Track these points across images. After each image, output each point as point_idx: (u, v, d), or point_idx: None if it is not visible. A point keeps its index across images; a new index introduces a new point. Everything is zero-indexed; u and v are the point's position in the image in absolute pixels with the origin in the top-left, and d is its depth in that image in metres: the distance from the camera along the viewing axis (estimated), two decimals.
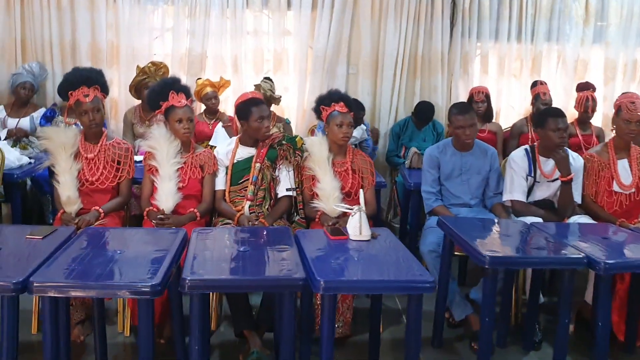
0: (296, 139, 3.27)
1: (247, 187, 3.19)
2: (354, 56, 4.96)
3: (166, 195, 3.02)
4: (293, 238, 2.54)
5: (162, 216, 2.95)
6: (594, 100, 4.78)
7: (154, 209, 3.03)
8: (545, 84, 4.83)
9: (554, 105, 4.78)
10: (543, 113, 3.40)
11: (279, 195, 3.25)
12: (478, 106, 4.83)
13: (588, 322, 3.20)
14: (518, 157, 3.42)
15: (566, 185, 3.26)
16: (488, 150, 3.48)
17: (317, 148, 3.24)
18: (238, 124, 3.31)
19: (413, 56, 4.95)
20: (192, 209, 3.08)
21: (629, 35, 5.01)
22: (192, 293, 2.06)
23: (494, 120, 4.87)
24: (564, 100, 5.05)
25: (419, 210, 3.77)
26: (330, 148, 3.26)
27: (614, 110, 3.47)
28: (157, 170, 3.08)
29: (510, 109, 5.20)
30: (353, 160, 3.31)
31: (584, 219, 3.27)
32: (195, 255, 2.25)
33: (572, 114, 5.04)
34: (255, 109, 3.16)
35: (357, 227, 2.52)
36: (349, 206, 2.65)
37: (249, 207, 3.15)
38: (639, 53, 5.09)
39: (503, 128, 4.88)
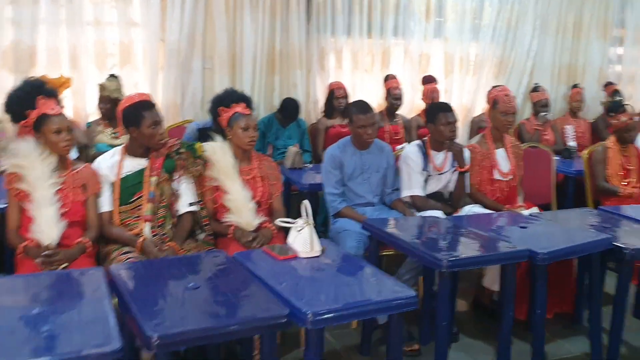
0: (195, 146, 2.86)
1: (141, 205, 2.71)
2: (209, 50, 4.59)
3: (48, 224, 2.43)
4: (234, 263, 2.21)
5: (49, 252, 2.36)
6: (438, 92, 5.10)
7: (33, 245, 2.42)
8: (396, 78, 5.00)
9: (404, 98, 5.01)
10: (433, 108, 3.47)
11: (180, 212, 2.82)
12: (339, 102, 4.82)
13: (486, 307, 3.39)
14: (413, 152, 3.44)
15: (462, 175, 3.38)
16: (384, 147, 3.45)
17: (220, 155, 2.88)
18: (125, 131, 2.78)
19: (271, 51, 4.75)
20: (79, 239, 2.53)
21: (464, 30, 5.41)
22: (160, 353, 1.64)
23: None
24: (411, 93, 5.28)
25: (315, 213, 3.62)
26: (235, 154, 2.93)
27: (488, 104, 3.70)
28: (27, 194, 2.46)
29: None
30: (260, 167, 3.02)
31: (477, 209, 3.42)
32: (140, 302, 1.80)
33: (418, 106, 5.32)
34: (148, 113, 2.69)
35: (308, 242, 2.28)
36: (291, 220, 2.39)
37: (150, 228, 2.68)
38: (472, 48, 5.51)
39: None
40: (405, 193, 3.40)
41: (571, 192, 4.43)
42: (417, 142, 3.51)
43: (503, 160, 3.62)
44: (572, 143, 5.51)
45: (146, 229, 2.66)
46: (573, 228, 2.84)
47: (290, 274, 2.12)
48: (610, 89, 5.80)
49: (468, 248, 2.48)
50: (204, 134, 3.20)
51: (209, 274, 2.13)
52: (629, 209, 3.30)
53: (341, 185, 3.28)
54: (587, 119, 5.77)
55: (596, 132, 5.68)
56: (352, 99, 5.05)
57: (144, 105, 2.71)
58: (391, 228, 2.75)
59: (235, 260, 2.24)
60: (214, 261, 2.25)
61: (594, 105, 5.95)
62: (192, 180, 2.84)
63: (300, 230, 2.30)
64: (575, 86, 5.71)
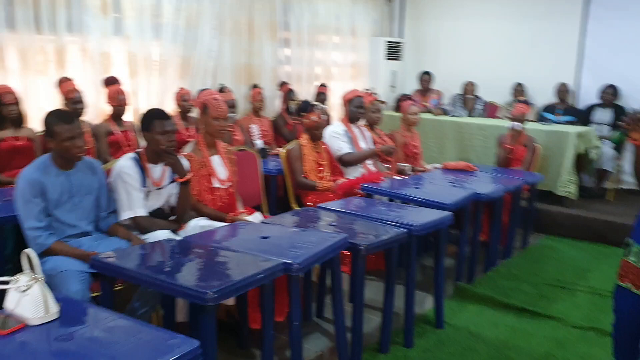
0: None
1: None
2: None
3: None
4: None
5: None
6: (125, 93, 4.68)
7: None
8: (71, 80, 4.39)
9: (87, 101, 4.46)
10: (148, 116, 3.10)
11: None
12: (9, 110, 4.00)
13: (224, 321, 3.23)
14: (128, 167, 3.02)
15: (184, 187, 3.11)
16: (94, 164, 2.94)
17: None
18: None
19: None
20: None
21: (144, 28, 5.06)
22: None
23: (26, 126, 4.12)
24: (95, 96, 4.72)
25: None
26: None
27: (198, 109, 3.50)
28: None
29: (42, 110, 4.49)
30: None
31: (204, 222, 3.21)
32: None
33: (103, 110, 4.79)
34: None
35: (41, 303, 1.75)
36: (6, 278, 1.80)
37: None
38: (155, 47, 5.20)
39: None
40: (126, 215, 2.97)
41: (274, 191, 4.56)
42: (131, 154, 3.10)
43: (219, 167, 3.48)
44: (258, 142, 5.74)
45: None
46: (311, 231, 2.87)
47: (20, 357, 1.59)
48: (285, 88, 6.21)
49: (227, 272, 2.26)
50: None
51: None
52: (336, 205, 3.51)
53: (46, 216, 2.67)
54: (269, 117, 6.06)
55: (277, 129, 6.02)
56: (26, 105, 4.27)
57: None
58: (128, 262, 2.34)
59: None
60: None
61: (272, 104, 6.29)
62: None
63: (27, 289, 1.75)
64: (255, 86, 5.92)
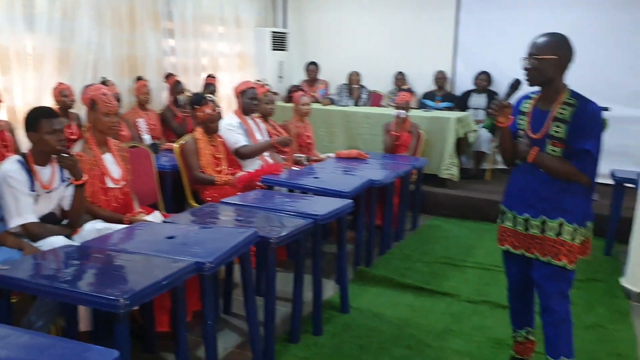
0: None
1: None
2: None
3: None
4: None
5: None
6: None
7: None
8: None
9: None
10: (33, 115, 2.88)
11: None
12: None
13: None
14: (14, 171, 2.81)
15: (80, 188, 2.95)
16: None
17: None
18: None
19: None
20: None
21: (15, 20, 4.67)
22: None
23: None
24: None
25: None
26: None
27: (85, 106, 3.31)
28: None
29: None
30: None
31: (100, 224, 3.06)
32: None
33: None
34: None
35: None
36: None
37: None
38: (28, 39, 4.82)
39: None
40: (15, 222, 2.77)
41: (169, 188, 4.44)
42: (17, 157, 2.87)
43: (112, 165, 3.33)
44: (146, 136, 5.54)
45: None
46: (219, 227, 2.83)
47: None
48: (172, 80, 6.03)
49: (137, 277, 2.18)
50: None
51: None
52: (238, 199, 3.49)
53: None
54: (155, 110, 5.86)
55: (165, 123, 5.84)
56: None
57: None
58: (23, 272, 2.19)
59: None
60: None
61: (159, 96, 6.08)
62: None
63: None
64: (139, 78, 5.70)
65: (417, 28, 7.47)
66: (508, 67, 6.87)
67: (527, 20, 6.72)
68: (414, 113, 5.95)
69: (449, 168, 6.01)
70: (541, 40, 2.49)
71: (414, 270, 4.27)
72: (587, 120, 2.43)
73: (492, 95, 6.91)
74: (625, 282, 4.02)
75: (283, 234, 2.78)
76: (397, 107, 5.58)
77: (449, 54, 7.39)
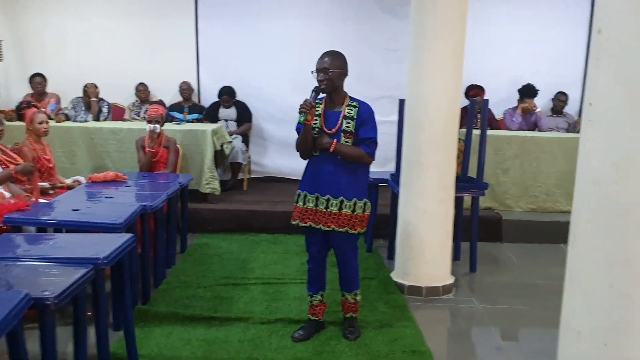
0: None
1: None
2: None
3: None
4: None
5: None
6: None
7: None
8: None
9: None
10: None
11: None
12: None
13: None
14: None
15: None
16: None
17: None
18: None
19: None
20: None
21: None
22: None
23: None
24: None
25: None
26: None
27: None
28: None
29: None
30: None
31: None
32: None
33: None
34: None
35: None
36: None
37: None
38: None
39: None
40: None
41: None
42: None
43: None
44: None
45: None
46: None
47: None
48: None
49: None
50: None
51: None
52: None
53: None
54: None
55: None
56: None
57: None
58: None
59: None
60: None
61: None
62: None
63: None
64: None
65: (158, 37, 7.01)
66: (251, 77, 7.04)
67: (266, 32, 6.87)
68: (166, 126, 5.55)
69: (210, 182, 5.77)
70: (330, 57, 3.13)
71: (197, 298, 3.94)
72: (368, 116, 3.19)
73: (240, 106, 6.87)
74: (395, 276, 4.30)
75: (62, 289, 2.22)
76: (149, 121, 5.13)
77: (192, 65, 7.11)
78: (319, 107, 3.22)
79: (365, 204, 3.24)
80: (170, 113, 6.81)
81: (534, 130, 6.64)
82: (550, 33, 6.84)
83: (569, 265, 1.41)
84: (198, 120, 6.78)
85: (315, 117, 3.18)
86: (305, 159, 3.29)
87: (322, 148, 3.15)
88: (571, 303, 1.43)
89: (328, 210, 3.18)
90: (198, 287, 4.14)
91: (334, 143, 3.12)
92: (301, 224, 3.25)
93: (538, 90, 6.68)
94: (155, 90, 7.11)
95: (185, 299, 3.91)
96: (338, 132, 3.15)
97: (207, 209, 5.70)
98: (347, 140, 3.15)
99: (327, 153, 3.14)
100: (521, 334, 3.76)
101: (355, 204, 3.18)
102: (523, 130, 6.57)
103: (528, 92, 6.67)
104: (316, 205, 3.21)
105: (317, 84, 3.14)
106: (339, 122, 3.16)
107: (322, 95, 3.20)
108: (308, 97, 3.09)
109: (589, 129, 1.33)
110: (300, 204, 3.27)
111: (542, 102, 6.85)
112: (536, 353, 3.37)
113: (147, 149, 5.10)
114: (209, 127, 5.96)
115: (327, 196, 3.18)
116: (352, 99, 3.22)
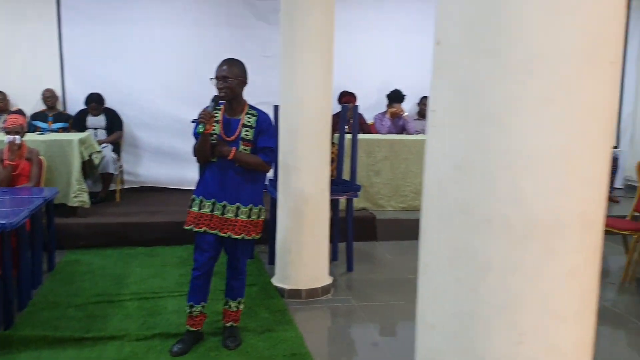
0: None
1: None
2: None
3: None
4: None
5: None
6: None
7: None
8: None
9: None
10: None
11: None
12: None
13: None
14: None
15: None
16: None
17: None
18: None
19: None
20: None
21: None
22: None
23: None
24: None
25: None
26: None
27: None
28: None
29: None
30: None
31: None
32: None
33: None
34: None
35: None
36: None
37: None
38: None
39: None
40: None
41: None
42: None
43: None
44: None
45: None
46: None
47: None
48: None
49: None
50: None
51: None
52: None
53: None
54: None
55: None
56: None
57: None
58: None
59: None
60: None
61: None
62: None
63: None
64: None
65: (16, 42, 6.55)
66: (121, 83, 6.77)
67: (135, 37, 6.66)
68: (27, 137, 5.20)
69: (79, 195, 5.48)
70: (229, 65, 3.16)
71: (68, 319, 3.73)
72: (267, 125, 3.26)
73: (110, 113, 6.59)
74: (276, 281, 4.34)
75: None
76: (8, 132, 4.78)
77: (56, 71, 6.71)
78: (217, 113, 3.22)
79: (260, 210, 3.30)
80: (33, 122, 6.39)
81: (402, 133, 6.99)
82: (414, 41, 7.23)
83: (421, 260, 1.52)
84: (64, 130, 6.42)
85: (213, 124, 3.17)
86: (202, 164, 3.33)
87: (220, 155, 3.16)
88: (425, 297, 1.53)
89: (224, 216, 3.19)
90: (68, 306, 3.92)
91: (232, 151, 3.14)
92: (195, 229, 3.22)
93: (405, 95, 7.03)
94: (16, 98, 6.63)
95: (53, 321, 3.69)
96: (237, 140, 3.19)
97: (76, 224, 5.40)
98: (246, 148, 3.19)
99: (225, 160, 3.15)
100: (397, 328, 3.95)
101: (250, 209, 3.23)
102: (392, 133, 6.89)
103: (396, 97, 7.01)
104: (212, 211, 3.20)
105: (215, 93, 3.17)
106: (238, 130, 3.19)
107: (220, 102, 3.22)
108: (207, 106, 3.10)
109: (433, 134, 1.45)
110: (195, 209, 3.24)
111: (409, 107, 7.23)
112: (411, 345, 3.54)
113: (6, 162, 4.74)
114: (75, 136, 5.66)
115: (224, 202, 3.20)
116: (251, 107, 3.26)
